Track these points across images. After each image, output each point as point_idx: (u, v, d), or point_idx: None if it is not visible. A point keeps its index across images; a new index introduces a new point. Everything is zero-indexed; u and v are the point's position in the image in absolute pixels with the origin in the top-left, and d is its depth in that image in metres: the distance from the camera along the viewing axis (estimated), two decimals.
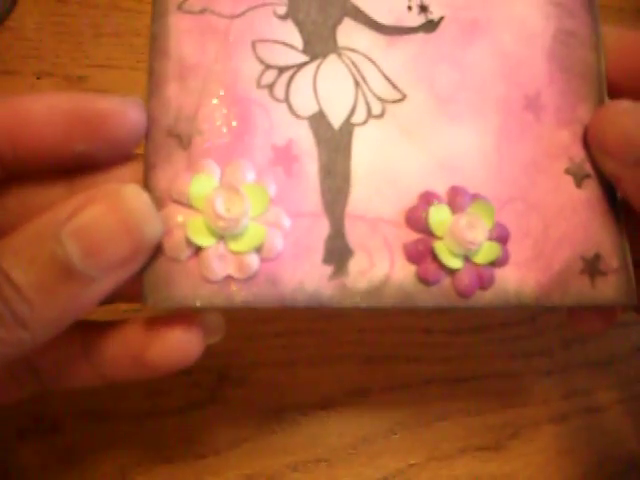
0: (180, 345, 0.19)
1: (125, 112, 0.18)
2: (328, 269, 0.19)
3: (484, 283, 0.20)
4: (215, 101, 0.19)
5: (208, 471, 0.27)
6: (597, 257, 0.21)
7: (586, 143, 0.22)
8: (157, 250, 0.18)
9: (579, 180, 0.22)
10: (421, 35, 0.22)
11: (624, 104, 0.21)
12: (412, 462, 0.28)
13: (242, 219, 0.18)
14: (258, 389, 0.28)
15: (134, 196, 0.17)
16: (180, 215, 0.18)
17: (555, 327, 0.31)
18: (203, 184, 0.18)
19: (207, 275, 0.18)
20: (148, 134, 0.19)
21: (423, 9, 0.22)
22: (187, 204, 0.18)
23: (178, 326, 0.19)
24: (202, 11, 0.20)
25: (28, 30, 0.31)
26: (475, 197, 0.21)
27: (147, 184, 0.19)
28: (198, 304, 0.18)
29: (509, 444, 0.29)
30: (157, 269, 0.18)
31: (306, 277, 0.19)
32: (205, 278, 0.18)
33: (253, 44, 0.20)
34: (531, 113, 0.22)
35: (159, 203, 0.18)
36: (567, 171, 0.22)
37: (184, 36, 0.20)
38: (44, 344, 0.17)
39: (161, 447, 0.26)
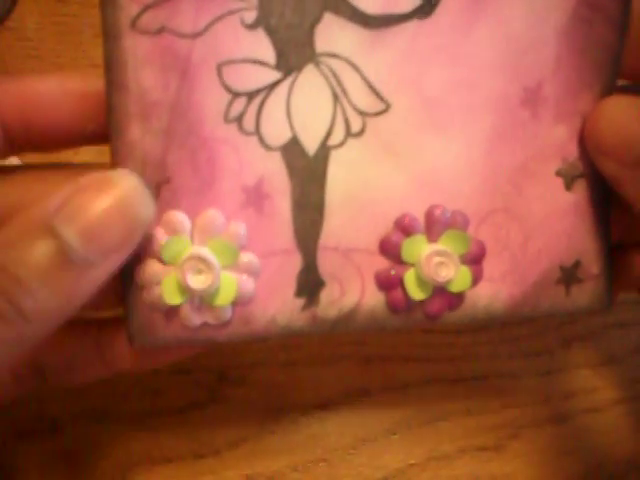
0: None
1: None
2: (300, 302, 0.20)
3: (453, 306, 0.20)
4: (181, 143, 0.18)
5: (208, 471, 0.27)
6: (576, 264, 0.21)
7: (582, 139, 0.21)
8: (140, 299, 0.19)
9: (570, 181, 0.21)
10: (414, 23, 0.19)
11: (623, 99, 0.20)
12: (412, 462, 0.28)
13: (212, 286, 0.18)
14: (258, 389, 0.28)
15: (124, 179, 0.17)
16: (156, 273, 0.18)
17: (555, 327, 0.31)
18: (175, 246, 0.18)
19: (185, 323, 0.19)
20: None
21: None
22: (162, 261, 0.19)
23: None
24: (160, 30, 0.18)
25: (28, 30, 0.31)
26: (452, 221, 0.20)
27: None
28: (179, 344, 0.19)
29: (509, 444, 0.29)
30: (140, 316, 0.19)
31: (278, 312, 0.20)
32: (183, 325, 0.19)
33: (218, 69, 0.18)
34: (528, 109, 0.20)
35: (136, 256, 0.18)
36: (558, 173, 0.21)
37: (143, 66, 0.18)
38: (45, 339, 0.17)
39: (161, 447, 0.26)
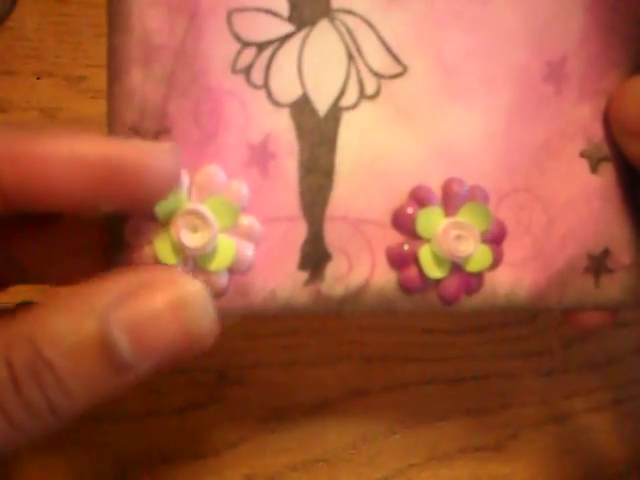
0: None
1: (160, 165, 0.15)
2: (303, 276, 0.18)
3: (471, 289, 0.19)
4: (184, 92, 0.17)
5: (208, 471, 0.26)
6: (606, 253, 0.20)
7: (606, 119, 0.20)
8: (130, 260, 0.17)
9: (595, 164, 0.20)
10: None
11: None
12: (412, 462, 0.28)
13: (208, 246, 0.17)
14: (258, 389, 0.28)
15: (194, 291, 0.15)
16: (148, 231, 0.17)
17: (555, 327, 0.31)
18: (170, 202, 0.17)
19: None
20: (110, 128, 0.17)
21: None
22: (154, 218, 0.17)
23: None
24: None
25: (28, 30, 0.31)
26: (470, 195, 0.19)
27: None
28: None
29: (509, 444, 0.29)
30: None
31: (279, 285, 0.18)
32: None
33: (228, 16, 0.17)
34: (551, 85, 0.19)
35: (127, 216, 0.17)
36: (582, 154, 0.19)
37: (149, 6, 0.17)
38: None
39: (161, 447, 0.26)
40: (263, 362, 0.28)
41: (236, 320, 0.20)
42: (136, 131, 0.17)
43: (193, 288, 0.15)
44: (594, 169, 0.20)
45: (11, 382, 0.14)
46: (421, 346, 0.30)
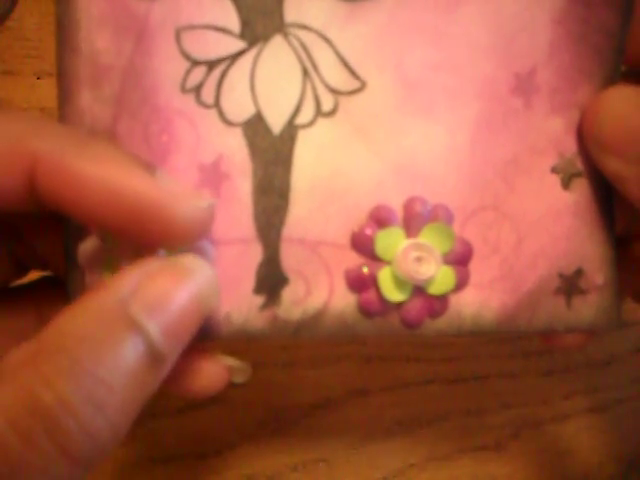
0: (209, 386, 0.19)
1: (192, 219, 0.15)
2: (259, 300, 0.18)
3: (434, 312, 0.18)
4: (134, 113, 0.17)
5: (208, 471, 0.27)
6: (578, 273, 0.19)
7: (580, 134, 0.19)
8: (82, 284, 0.17)
9: (567, 180, 0.19)
10: None
11: (626, 89, 0.18)
12: (412, 462, 0.28)
13: None
14: (258, 389, 0.28)
15: (200, 271, 0.15)
16: (98, 252, 0.17)
17: None
18: None
19: None
20: None
21: None
22: (104, 240, 0.17)
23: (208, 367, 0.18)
24: None
25: (28, 30, 0.31)
26: (433, 215, 0.18)
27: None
28: None
29: (509, 444, 0.29)
30: None
31: (234, 309, 0.17)
32: None
33: (177, 34, 0.17)
34: (520, 98, 0.18)
35: (80, 234, 0.17)
36: (554, 169, 0.19)
37: (96, 26, 0.16)
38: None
39: (161, 447, 0.26)
40: (263, 362, 0.28)
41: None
42: None
43: (200, 266, 0.15)
44: (566, 185, 0.19)
45: (63, 409, 0.13)
46: (421, 346, 0.30)
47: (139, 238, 0.15)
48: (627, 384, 0.31)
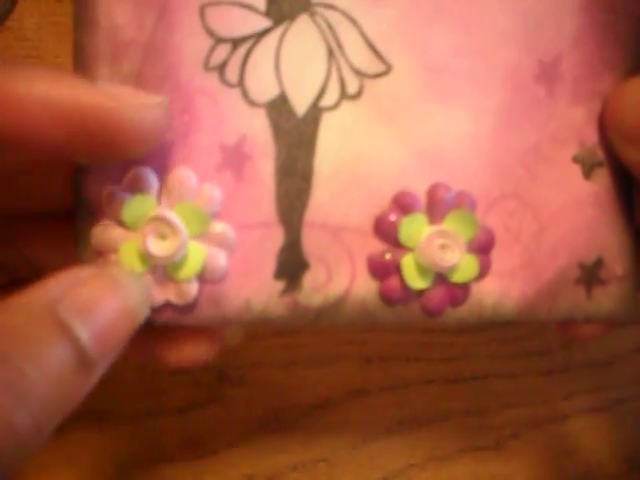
0: (197, 350, 0.18)
1: (142, 120, 0.14)
2: (279, 285, 0.17)
3: (456, 300, 0.18)
4: (154, 90, 0.16)
5: (208, 471, 0.27)
6: (598, 263, 0.19)
7: (602, 124, 0.19)
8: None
9: (588, 169, 0.19)
10: None
11: None
12: (412, 462, 0.28)
13: (176, 255, 0.16)
14: (258, 389, 0.28)
15: (130, 282, 0.15)
16: (115, 237, 0.16)
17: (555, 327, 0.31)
18: (139, 206, 0.16)
19: None
20: None
21: None
22: (123, 224, 0.16)
23: (197, 339, 0.18)
24: None
25: (28, 30, 0.31)
26: (457, 202, 0.18)
27: (78, 191, 0.17)
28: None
29: (509, 444, 0.29)
30: None
31: (254, 295, 0.17)
32: None
33: (201, 10, 0.16)
34: (544, 86, 0.18)
35: (93, 217, 0.17)
36: (575, 159, 0.19)
37: (116, 2, 0.16)
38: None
39: (161, 447, 0.26)
40: (263, 362, 0.28)
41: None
42: None
43: (128, 277, 0.15)
44: (587, 175, 0.19)
45: None
46: (421, 346, 0.30)
47: (94, 152, 0.15)
48: (628, 384, 0.31)
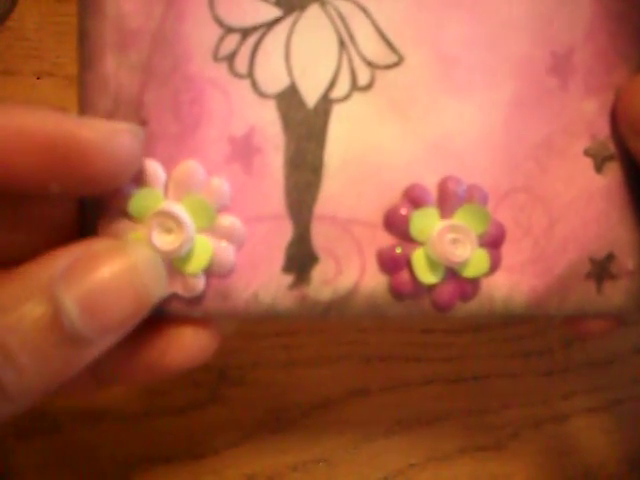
0: (198, 344, 0.18)
1: (114, 148, 0.14)
2: (288, 279, 0.17)
3: (466, 295, 0.18)
4: (162, 81, 0.16)
5: (208, 471, 0.26)
6: (609, 257, 0.19)
7: (614, 117, 0.19)
8: None
9: (600, 163, 0.19)
10: None
11: None
12: (412, 462, 0.28)
13: (182, 249, 0.16)
14: (258, 389, 0.28)
15: (139, 249, 0.15)
16: (122, 229, 0.16)
17: (555, 327, 0.31)
18: (145, 199, 0.16)
19: None
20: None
21: None
22: (130, 217, 0.16)
23: (193, 327, 0.18)
24: None
25: (28, 30, 0.31)
26: (468, 196, 0.18)
27: None
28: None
29: (509, 444, 0.29)
30: None
31: (262, 288, 0.17)
32: None
33: None
34: (556, 77, 0.18)
35: (100, 209, 0.16)
36: (587, 152, 0.19)
37: None
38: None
39: (161, 447, 0.26)
40: (263, 362, 0.28)
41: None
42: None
43: (143, 253, 0.15)
44: (599, 168, 0.19)
45: None
46: (421, 346, 0.30)
47: (68, 179, 0.14)
48: (628, 384, 0.31)
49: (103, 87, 0.16)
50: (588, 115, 0.19)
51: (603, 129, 0.19)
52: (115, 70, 0.16)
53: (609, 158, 0.19)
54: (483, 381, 0.30)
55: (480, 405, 0.29)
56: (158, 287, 0.15)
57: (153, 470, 0.26)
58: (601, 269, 0.19)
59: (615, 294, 0.19)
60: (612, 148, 0.19)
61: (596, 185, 0.19)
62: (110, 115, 0.16)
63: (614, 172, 0.19)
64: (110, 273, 0.14)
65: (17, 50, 0.30)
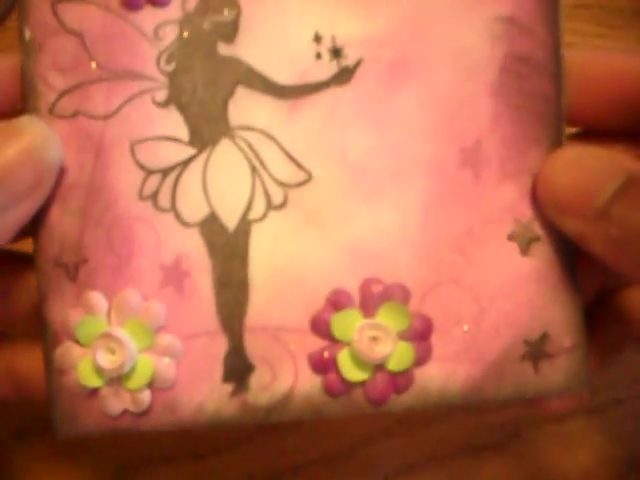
0: None
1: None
2: (228, 387, 0.19)
3: (399, 388, 0.19)
4: (97, 223, 0.19)
5: (208, 471, 0.27)
6: (544, 337, 0.19)
7: (536, 198, 0.19)
8: (60, 385, 0.19)
9: (525, 245, 0.19)
10: (332, 91, 0.19)
11: (575, 150, 0.19)
12: (412, 462, 0.28)
13: (124, 366, 0.18)
14: None
15: (32, 126, 0.18)
16: (73, 356, 0.18)
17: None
18: (89, 326, 0.18)
19: (104, 410, 0.18)
20: (37, 263, 0.19)
21: (336, 53, 0.19)
22: (79, 343, 0.18)
23: None
24: (74, 114, 0.19)
25: None
26: (387, 295, 0.19)
27: (42, 316, 0.19)
28: (103, 433, 0.19)
29: (509, 444, 0.29)
30: (62, 404, 0.19)
31: (205, 399, 0.19)
32: (104, 413, 0.18)
33: (131, 147, 0.19)
34: (469, 170, 0.19)
35: (55, 339, 0.19)
36: (511, 237, 0.19)
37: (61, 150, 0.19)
38: None
39: (161, 447, 0.26)
40: None
41: None
42: (58, 264, 0.19)
43: (29, 122, 0.18)
44: (525, 251, 0.19)
45: None
46: None
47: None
48: (627, 385, 0.31)
49: (51, 234, 0.19)
50: (508, 200, 0.19)
51: (526, 212, 0.19)
52: (59, 218, 0.19)
53: (535, 239, 0.19)
54: None
55: (480, 405, 0.29)
56: (52, 151, 0.18)
57: (153, 470, 0.26)
58: (536, 349, 0.19)
59: (553, 373, 0.19)
60: (537, 229, 0.19)
61: (524, 268, 0.19)
62: (58, 257, 0.19)
63: (542, 253, 0.19)
64: (11, 149, 0.17)
65: (17, 50, 0.30)
